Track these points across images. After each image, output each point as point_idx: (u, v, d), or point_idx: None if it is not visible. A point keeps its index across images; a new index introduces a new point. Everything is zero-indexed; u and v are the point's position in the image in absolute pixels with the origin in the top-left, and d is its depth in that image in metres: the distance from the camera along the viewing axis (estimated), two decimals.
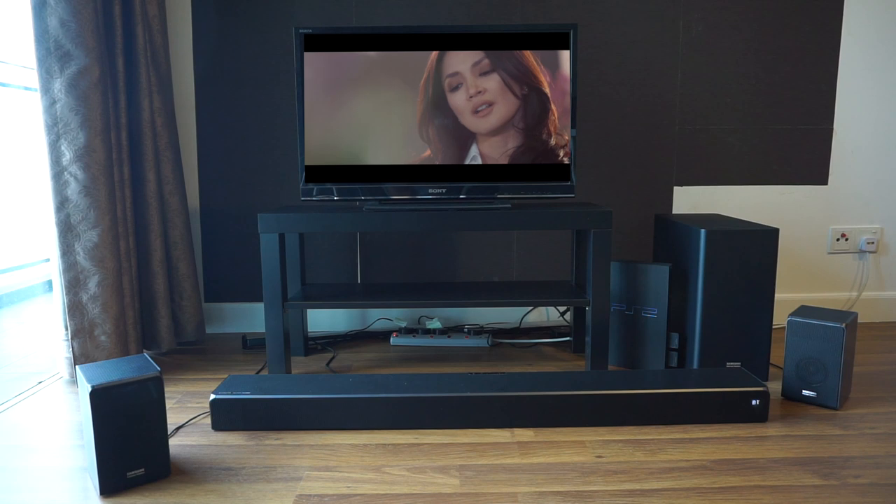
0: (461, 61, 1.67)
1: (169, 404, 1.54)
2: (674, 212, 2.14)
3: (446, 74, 1.67)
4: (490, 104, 1.67)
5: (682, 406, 1.40)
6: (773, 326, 2.16)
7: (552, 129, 1.68)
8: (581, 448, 1.30)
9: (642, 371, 1.53)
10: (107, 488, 1.13)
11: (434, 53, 1.66)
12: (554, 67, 1.67)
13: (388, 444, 1.32)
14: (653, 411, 1.40)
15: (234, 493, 1.14)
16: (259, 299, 2.15)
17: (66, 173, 1.57)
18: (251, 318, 2.15)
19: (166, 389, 1.64)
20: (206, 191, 2.09)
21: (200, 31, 2.03)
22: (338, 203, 1.90)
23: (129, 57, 1.77)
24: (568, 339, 2.02)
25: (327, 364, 1.83)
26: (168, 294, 1.89)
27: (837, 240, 2.16)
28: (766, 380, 1.67)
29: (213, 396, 1.38)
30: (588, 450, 1.29)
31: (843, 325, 1.44)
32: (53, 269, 1.65)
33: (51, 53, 1.53)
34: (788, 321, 1.51)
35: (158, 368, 1.16)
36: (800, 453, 1.27)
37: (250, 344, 1.97)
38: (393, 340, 2.01)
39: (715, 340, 1.64)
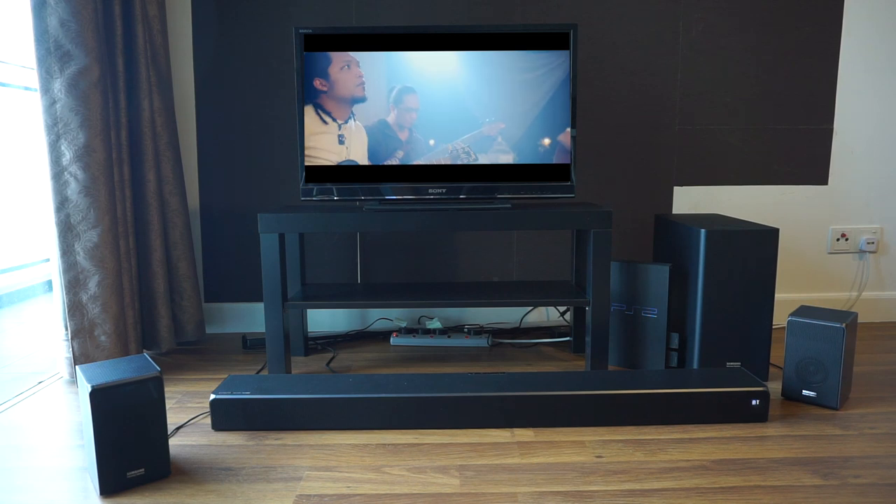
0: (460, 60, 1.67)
1: (169, 404, 1.54)
2: (674, 212, 2.14)
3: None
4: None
5: (682, 406, 1.40)
6: (773, 326, 2.16)
7: (551, 129, 1.68)
8: (581, 448, 1.30)
9: (642, 371, 1.53)
10: (107, 488, 1.13)
11: (436, 53, 1.66)
12: (553, 67, 1.67)
13: (388, 444, 1.32)
14: (653, 411, 1.40)
15: (234, 493, 1.14)
16: (259, 299, 2.15)
17: (66, 173, 1.57)
18: (251, 318, 2.15)
19: (166, 389, 1.64)
20: (206, 191, 2.09)
21: (200, 32, 2.03)
22: (338, 203, 1.90)
23: (129, 57, 1.77)
24: (568, 339, 2.02)
25: (327, 364, 1.83)
26: (168, 294, 1.89)
27: (837, 240, 2.16)
28: (766, 380, 1.67)
29: (213, 396, 1.38)
30: (588, 450, 1.29)
31: (843, 325, 1.44)
32: (53, 269, 1.65)
33: (51, 53, 1.53)
34: (788, 321, 1.51)
35: (158, 368, 1.16)
36: (800, 453, 1.27)
37: (250, 344, 1.97)
38: (393, 340, 2.01)
39: (715, 340, 1.64)
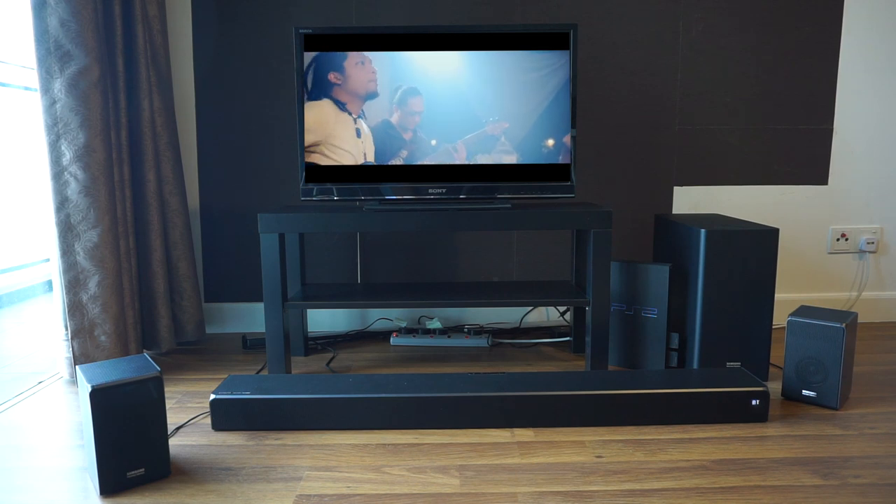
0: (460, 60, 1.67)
1: (169, 404, 1.54)
2: (674, 212, 2.14)
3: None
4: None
5: (682, 406, 1.40)
6: (773, 326, 2.16)
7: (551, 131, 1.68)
8: (581, 448, 1.30)
9: (642, 371, 1.53)
10: (107, 488, 1.13)
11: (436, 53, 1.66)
12: (555, 68, 1.67)
13: (388, 444, 1.32)
14: (653, 411, 1.40)
15: (234, 493, 1.14)
16: (259, 299, 2.15)
17: (66, 173, 1.57)
18: (251, 318, 2.15)
19: (166, 389, 1.64)
20: (206, 191, 2.09)
21: (200, 32, 2.03)
22: (338, 203, 1.90)
23: (129, 57, 1.77)
24: (568, 339, 2.02)
25: (327, 364, 1.83)
26: (168, 294, 1.89)
27: (837, 240, 2.16)
28: (766, 380, 1.67)
29: (213, 396, 1.38)
30: (588, 450, 1.29)
31: (843, 325, 1.44)
32: (53, 269, 1.65)
33: (51, 53, 1.53)
34: (788, 321, 1.51)
35: (158, 368, 1.16)
36: (800, 453, 1.27)
37: (250, 344, 1.97)
38: (393, 340, 2.01)
39: (715, 340, 1.64)
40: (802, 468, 1.21)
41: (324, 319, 2.16)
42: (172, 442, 1.34)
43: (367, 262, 2.14)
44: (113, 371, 1.15)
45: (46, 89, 1.54)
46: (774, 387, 1.63)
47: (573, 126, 1.69)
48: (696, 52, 2.06)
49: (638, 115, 2.08)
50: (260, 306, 2.14)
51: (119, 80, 1.72)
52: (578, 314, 1.92)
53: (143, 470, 1.16)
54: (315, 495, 1.13)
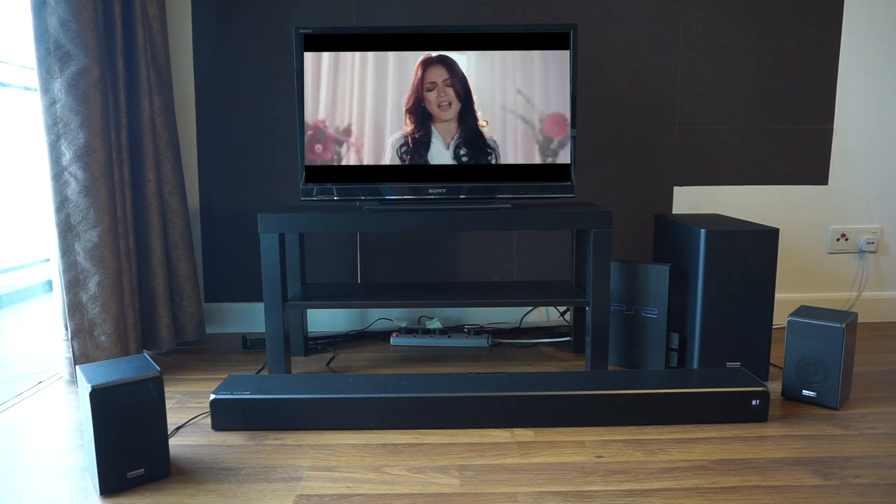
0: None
1: (169, 404, 1.54)
2: (674, 212, 2.14)
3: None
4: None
5: (682, 406, 1.40)
6: (773, 326, 2.16)
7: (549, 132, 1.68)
8: (581, 448, 1.30)
9: (642, 371, 1.53)
10: (107, 488, 1.13)
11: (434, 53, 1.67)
12: (553, 67, 1.67)
13: (388, 444, 1.32)
14: (653, 411, 1.40)
15: (234, 493, 1.14)
16: (259, 299, 2.15)
17: (66, 173, 1.57)
18: (251, 318, 2.15)
19: (166, 389, 1.64)
20: (206, 191, 2.09)
21: (200, 32, 2.03)
22: (338, 203, 1.90)
23: (129, 57, 1.77)
24: (568, 339, 2.02)
25: (327, 364, 1.83)
26: (168, 294, 1.89)
27: (837, 240, 2.16)
28: (766, 380, 1.67)
29: (213, 396, 1.38)
30: (588, 450, 1.29)
31: (843, 325, 1.44)
32: (53, 269, 1.65)
33: (51, 53, 1.53)
34: (788, 321, 1.51)
35: (158, 368, 1.16)
36: (800, 453, 1.27)
37: (250, 344, 1.97)
38: (393, 340, 2.01)
39: (715, 340, 1.64)
40: (802, 468, 1.21)
41: (324, 319, 2.16)
42: (172, 442, 1.34)
43: (367, 262, 2.14)
44: (113, 371, 1.15)
45: (46, 89, 1.54)
46: (774, 387, 1.63)
47: (573, 126, 1.69)
48: (696, 52, 2.06)
49: (638, 115, 2.08)
50: (260, 306, 2.14)
51: (119, 80, 1.72)
52: (578, 314, 1.92)
53: (143, 470, 1.16)
54: (315, 495, 1.13)
